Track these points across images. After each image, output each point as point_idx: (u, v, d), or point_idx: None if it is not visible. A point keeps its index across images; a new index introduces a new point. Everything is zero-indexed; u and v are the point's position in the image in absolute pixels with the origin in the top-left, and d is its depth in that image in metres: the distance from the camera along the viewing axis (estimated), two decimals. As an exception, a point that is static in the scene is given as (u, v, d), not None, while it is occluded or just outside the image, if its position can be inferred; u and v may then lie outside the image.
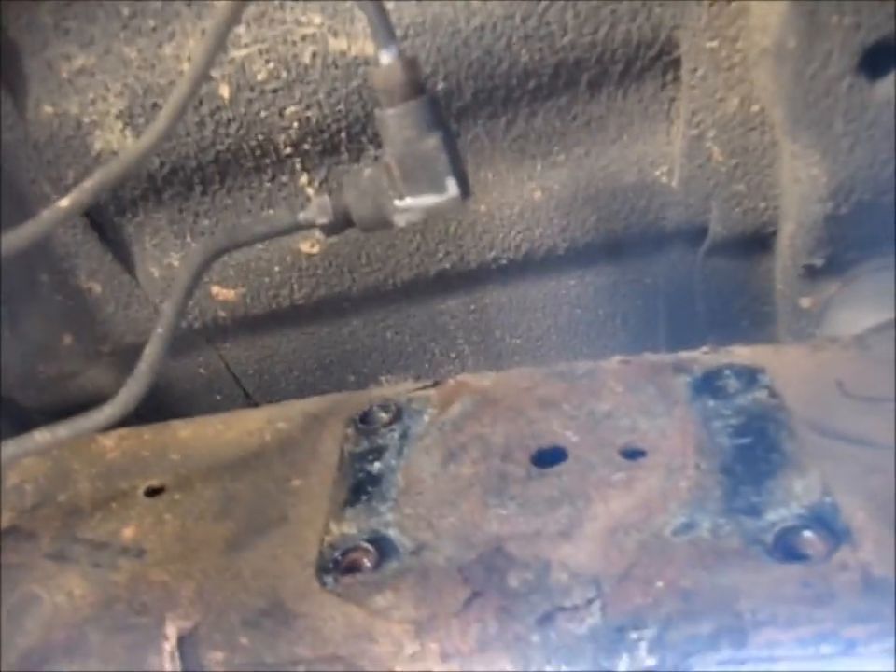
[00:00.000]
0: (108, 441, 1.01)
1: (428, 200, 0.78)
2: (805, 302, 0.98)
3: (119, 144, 0.98)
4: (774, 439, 0.78)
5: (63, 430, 0.85)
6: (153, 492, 0.92)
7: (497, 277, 1.07)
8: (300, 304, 1.08)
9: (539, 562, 0.73)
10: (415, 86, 0.75)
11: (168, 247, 1.07)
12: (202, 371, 1.17)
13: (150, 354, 0.84)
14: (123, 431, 1.01)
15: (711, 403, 0.84)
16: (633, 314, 1.09)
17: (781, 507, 0.72)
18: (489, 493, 0.81)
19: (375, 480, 0.86)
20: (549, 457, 0.83)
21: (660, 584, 0.69)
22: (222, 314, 1.10)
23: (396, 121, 0.76)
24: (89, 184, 0.79)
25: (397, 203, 0.78)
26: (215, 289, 1.06)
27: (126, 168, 0.79)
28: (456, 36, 0.90)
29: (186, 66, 0.94)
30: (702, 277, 1.05)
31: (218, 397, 1.19)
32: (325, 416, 0.96)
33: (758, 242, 1.00)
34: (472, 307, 1.10)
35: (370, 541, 0.79)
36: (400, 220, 0.79)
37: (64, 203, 0.80)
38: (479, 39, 0.90)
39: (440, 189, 0.77)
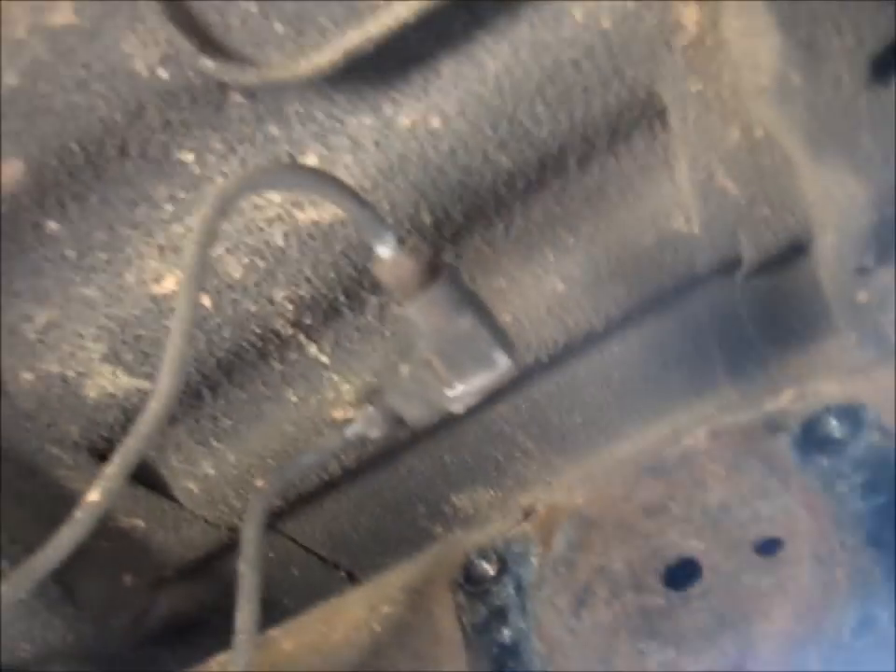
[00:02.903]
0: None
1: (482, 380, 0.71)
2: (862, 297, 0.92)
3: (114, 385, 0.90)
4: (910, 490, 0.74)
5: None
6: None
7: (539, 372, 1.00)
8: (350, 468, 1.01)
9: (731, 714, 0.69)
10: (429, 269, 0.68)
11: (197, 458, 0.99)
12: (270, 555, 1.10)
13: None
14: (222, 658, 0.94)
15: (825, 463, 0.78)
16: (685, 355, 1.03)
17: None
18: (637, 637, 0.76)
19: (512, 651, 0.80)
20: (682, 575, 0.78)
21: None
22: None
23: (421, 315, 0.69)
24: (112, 470, 0.72)
25: (448, 393, 0.71)
26: (258, 483, 0.99)
27: (146, 439, 0.72)
28: (430, 167, 0.83)
29: (154, 287, 0.86)
30: (744, 299, 0.98)
31: (295, 571, 1.13)
32: (425, 586, 0.90)
33: (795, 250, 0.93)
34: (523, 406, 1.03)
35: (539, 728, 0.74)
36: (459, 407, 0.73)
37: (94, 496, 0.72)
38: (454, 162, 0.83)
39: (489, 365, 0.71)
